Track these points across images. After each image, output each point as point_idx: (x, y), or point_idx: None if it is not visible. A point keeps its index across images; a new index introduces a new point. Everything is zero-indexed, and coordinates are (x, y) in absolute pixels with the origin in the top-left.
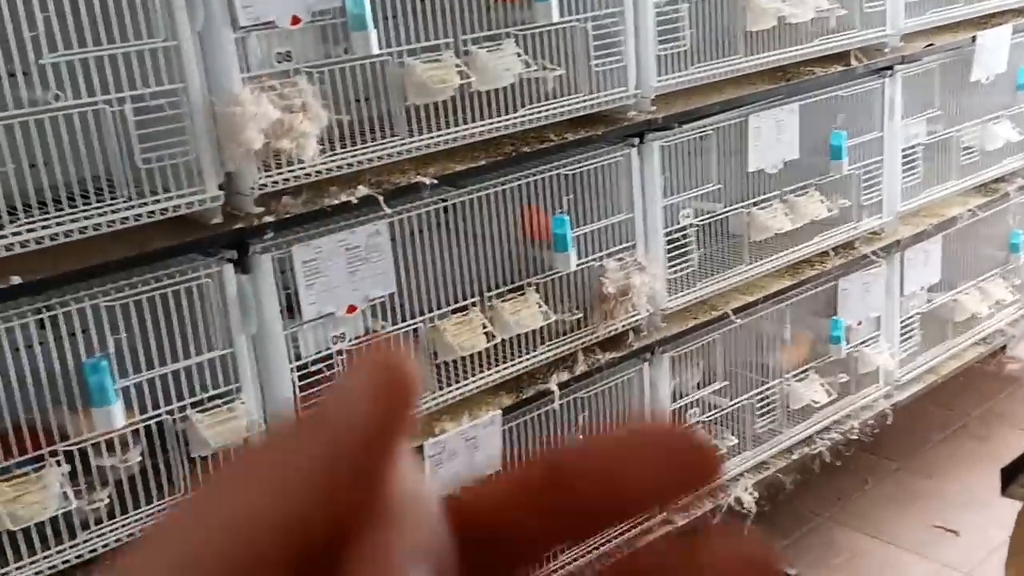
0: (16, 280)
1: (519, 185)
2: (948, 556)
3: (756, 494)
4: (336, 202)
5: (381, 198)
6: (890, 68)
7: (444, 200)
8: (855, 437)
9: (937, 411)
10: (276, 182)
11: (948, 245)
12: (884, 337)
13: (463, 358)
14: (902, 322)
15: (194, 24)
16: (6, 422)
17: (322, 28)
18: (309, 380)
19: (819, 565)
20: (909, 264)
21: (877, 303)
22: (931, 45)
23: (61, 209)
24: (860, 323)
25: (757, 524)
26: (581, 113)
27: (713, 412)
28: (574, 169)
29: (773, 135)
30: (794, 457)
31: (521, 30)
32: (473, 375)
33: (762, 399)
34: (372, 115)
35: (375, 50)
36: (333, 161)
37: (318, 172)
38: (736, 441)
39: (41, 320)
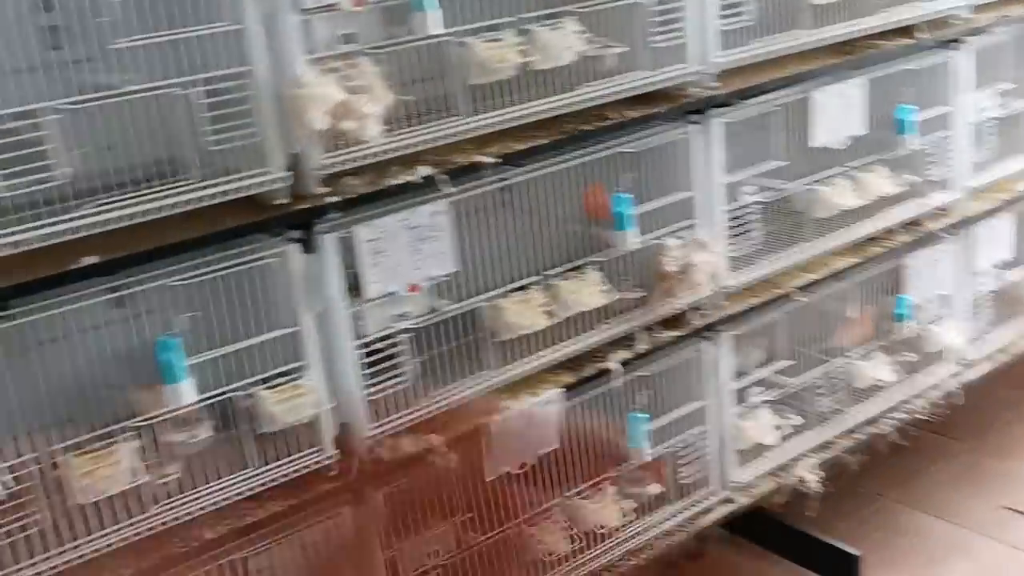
0: (90, 260)
1: (579, 164)
2: (1018, 537)
3: (821, 474)
4: (398, 182)
5: (445, 177)
6: (957, 40)
7: (505, 179)
8: (923, 417)
9: (1008, 392)
10: (340, 162)
11: (1021, 221)
12: (953, 315)
13: (523, 337)
14: (972, 300)
15: (259, 7)
16: (82, 398)
17: (385, 9)
18: (373, 358)
19: (884, 546)
20: (979, 241)
21: (945, 281)
22: (1005, 16)
23: (133, 192)
24: (928, 301)
25: (822, 504)
26: (642, 90)
27: (776, 391)
28: (635, 147)
29: (838, 110)
30: (859, 437)
31: (582, 7)
32: (533, 354)
33: (827, 378)
34: (434, 95)
35: (436, 30)
36: (396, 141)
37: (381, 152)
38: (800, 421)
39: (115, 299)
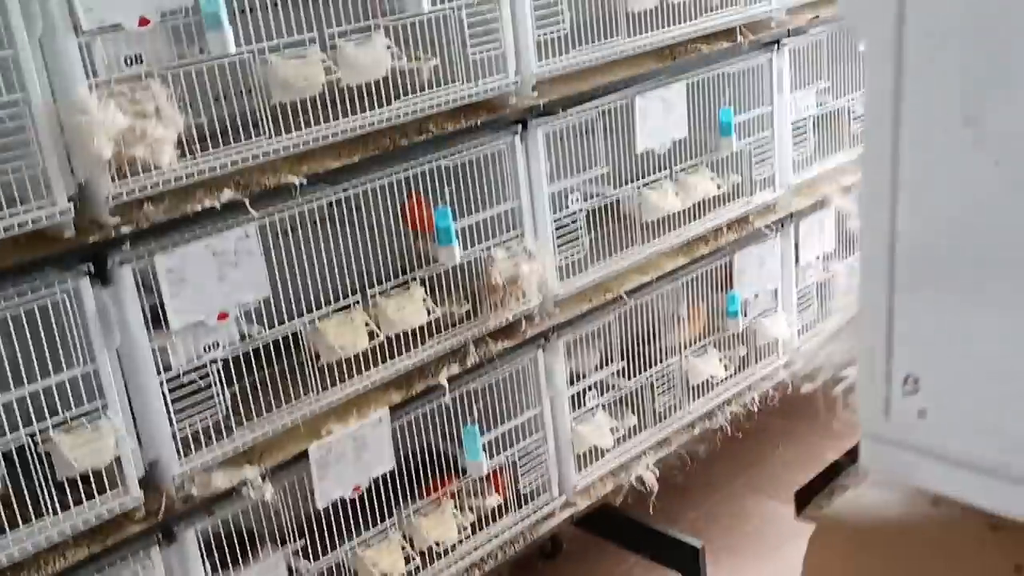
0: None
1: (399, 179)
2: None
3: (656, 471)
4: (199, 208)
5: (247, 201)
6: (776, 42)
7: (320, 199)
8: (756, 408)
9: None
10: (133, 191)
11: (842, 215)
12: (782, 308)
13: (349, 357)
14: (799, 292)
15: (32, 31)
16: None
17: (174, 28)
18: (181, 392)
19: (730, 533)
20: (804, 235)
21: (773, 275)
22: (816, 17)
23: None
24: (757, 296)
25: (673, 495)
26: (460, 103)
27: (612, 393)
28: (456, 160)
29: (660, 115)
30: (696, 432)
31: (392, 21)
32: (359, 374)
33: (661, 377)
34: (236, 115)
35: (232, 49)
36: (195, 166)
37: (178, 178)
38: (635, 421)
39: None
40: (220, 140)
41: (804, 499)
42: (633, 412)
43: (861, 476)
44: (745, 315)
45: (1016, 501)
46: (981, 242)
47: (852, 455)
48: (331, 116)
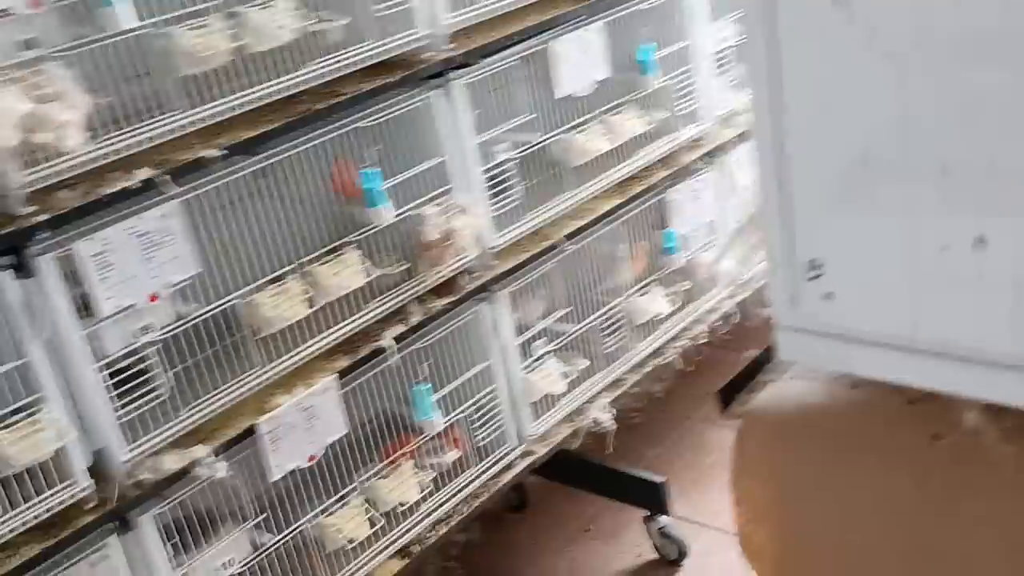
0: None
1: (321, 144)
2: None
3: (613, 412)
4: (114, 189)
5: (165, 178)
6: None
7: (240, 171)
8: (706, 341)
9: None
10: (43, 177)
11: None
12: (720, 241)
13: (290, 328)
14: (737, 223)
15: None
16: None
17: (68, 8)
18: (120, 378)
19: (693, 466)
20: (737, 165)
21: (708, 209)
22: None
23: None
24: (694, 230)
25: (629, 437)
26: (373, 61)
27: (560, 339)
28: (377, 119)
29: (579, 57)
30: (648, 370)
31: None
32: (301, 344)
33: (607, 319)
34: (144, 89)
35: (126, 25)
36: (106, 146)
37: (91, 161)
38: (587, 364)
39: None
40: (130, 117)
41: (728, 398)
42: (584, 356)
43: (781, 370)
44: (685, 250)
45: (928, 373)
46: (864, 122)
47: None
48: (242, 85)
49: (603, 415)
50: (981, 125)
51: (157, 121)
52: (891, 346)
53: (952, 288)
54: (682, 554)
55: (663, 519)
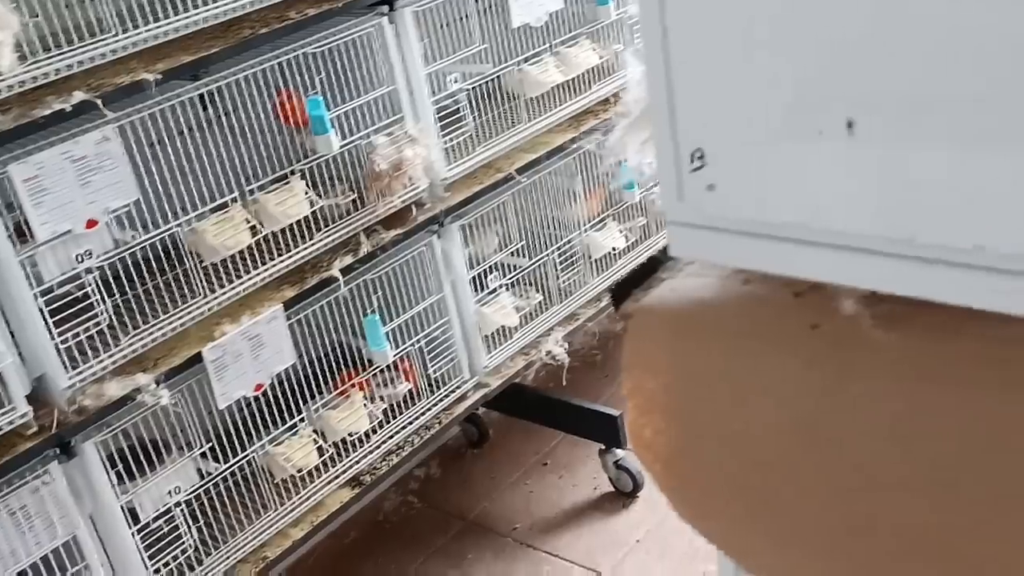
0: None
1: (266, 71)
2: None
3: (567, 345)
4: (48, 112)
5: (100, 101)
6: None
7: (180, 96)
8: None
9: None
10: None
11: None
12: None
13: (236, 257)
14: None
15: None
16: None
17: None
18: (59, 303)
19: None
20: None
21: None
22: None
23: None
24: (652, 164)
25: (588, 375)
26: None
27: (514, 273)
28: (323, 46)
29: None
30: (603, 304)
31: None
32: (247, 273)
33: (562, 253)
34: (78, 12)
35: None
36: (37, 68)
37: (22, 83)
38: (542, 298)
39: None
40: (63, 39)
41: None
42: (538, 291)
43: (676, 267)
44: (641, 187)
45: (806, 263)
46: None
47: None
48: (181, 8)
49: (557, 349)
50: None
51: (91, 44)
52: (772, 237)
53: (824, 173)
54: (637, 486)
55: (619, 452)
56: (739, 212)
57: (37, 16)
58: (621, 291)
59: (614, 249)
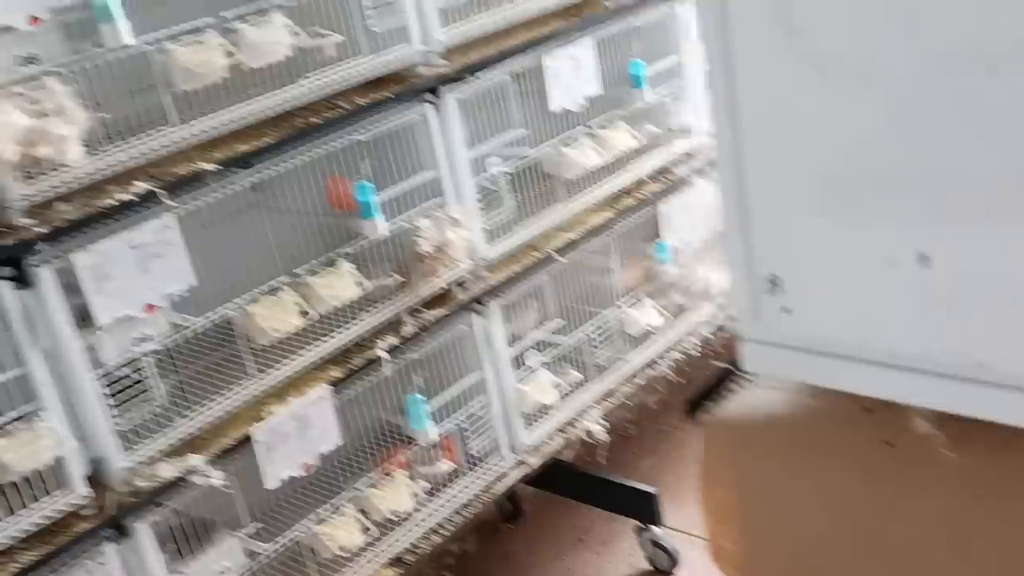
0: None
1: (316, 157)
2: None
3: (606, 424)
4: (113, 202)
5: (163, 192)
6: None
7: (235, 184)
8: (698, 353)
9: None
10: (43, 191)
11: None
12: (712, 254)
13: (284, 339)
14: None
15: None
16: None
17: (67, 25)
18: (117, 387)
19: (685, 476)
20: None
21: (700, 222)
22: None
23: None
24: (687, 243)
25: (622, 448)
26: (368, 76)
27: (552, 351)
28: (371, 133)
29: (571, 72)
30: (639, 382)
31: (288, 0)
32: (295, 354)
33: (600, 330)
34: (144, 107)
35: (127, 41)
36: (103, 160)
37: (88, 174)
38: (579, 376)
39: None
40: (127, 132)
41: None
42: (576, 367)
43: (747, 379)
44: (677, 262)
45: (879, 383)
46: (817, 142)
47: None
48: (238, 100)
49: (595, 426)
50: (924, 143)
51: (153, 136)
52: (845, 357)
53: (898, 302)
54: (674, 564)
55: (655, 529)
56: (813, 333)
57: (100, 108)
58: (696, 403)
59: (650, 325)
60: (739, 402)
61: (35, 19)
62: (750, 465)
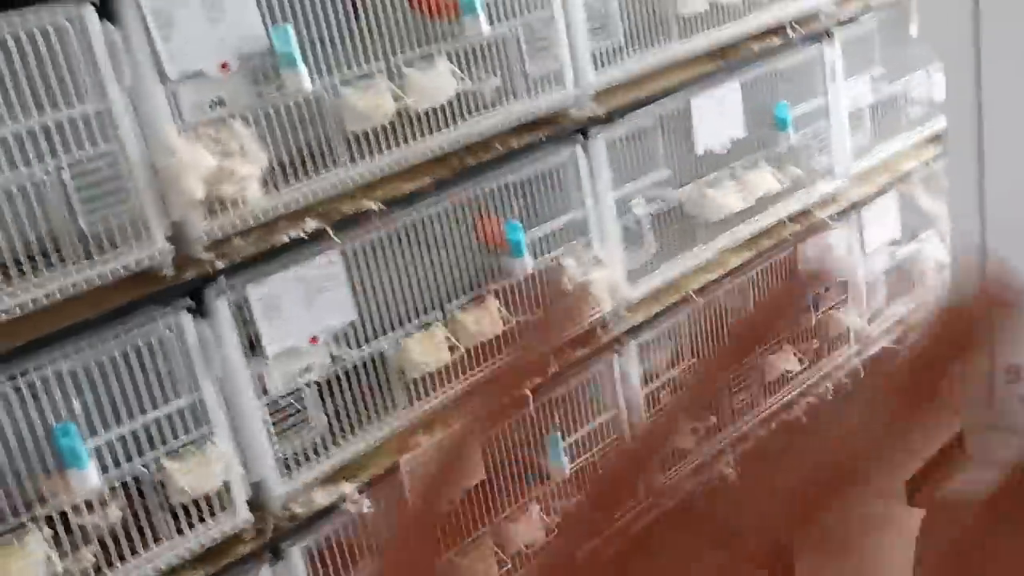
0: None
1: (469, 197)
2: None
3: (738, 468)
4: (286, 239)
5: (330, 229)
6: (827, 33)
7: (396, 223)
8: (831, 398)
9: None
10: (224, 227)
11: (905, 200)
12: (851, 298)
13: (431, 372)
14: (867, 281)
15: (122, 83)
16: None
17: (251, 70)
18: (279, 415)
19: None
20: (868, 223)
21: (840, 266)
22: (867, 6)
23: (9, 280)
24: (826, 288)
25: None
26: (523, 119)
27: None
28: (522, 174)
29: (716, 115)
30: (773, 426)
31: (453, 45)
32: (443, 387)
33: (736, 374)
34: (312, 145)
35: (307, 86)
36: (278, 199)
37: (264, 212)
38: (714, 419)
39: (13, 388)
40: (300, 171)
41: (915, 487)
42: (711, 411)
43: (969, 461)
44: (816, 307)
45: None
46: None
47: (959, 441)
48: (401, 141)
49: (728, 470)
50: None
51: (323, 176)
52: None
53: None
54: None
55: None
56: None
57: (277, 148)
58: (914, 484)
59: (788, 371)
60: (960, 484)
61: (224, 65)
62: (968, 549)
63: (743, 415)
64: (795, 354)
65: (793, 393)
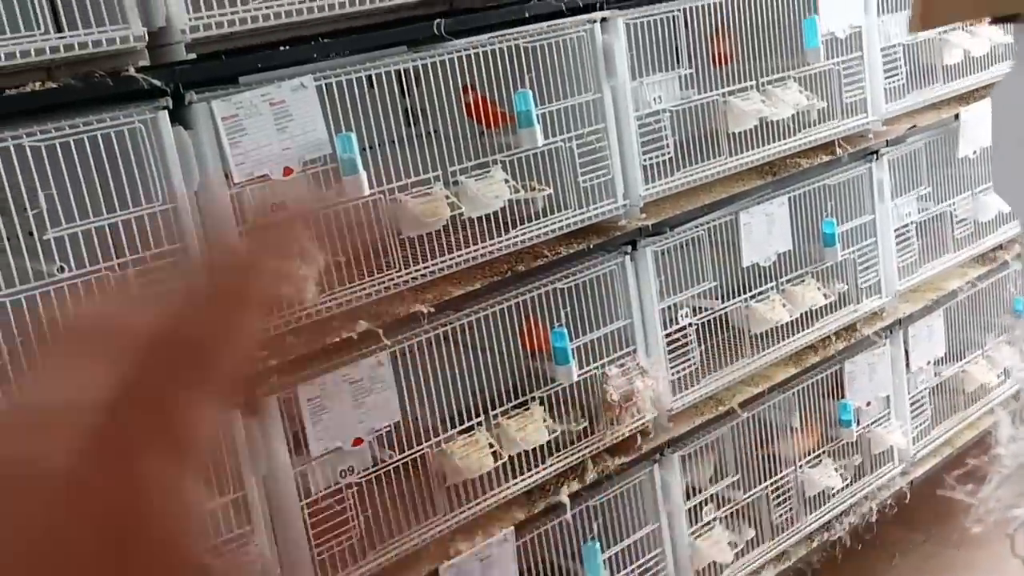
0: None
1: (517, 303)
2: None
3: None
4: (338, 339)
5: (380, 331)
6: (875, 153)
7: (444, 326)
8: (874, 519)
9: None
10: (279, 325)
11: (951, 317)
12: (895, 415)
13: (472, 478)
14: (912, 398)
15: (190, 186)
16: None
17: (312, 174)
18: (320, 515)
19: None
20: (914, 341)
21: (884, 382)
22: (914, 127)
23: None
24: (869, 404)
25: None
26: (572, 228)
27: (728, 506)
28: (570, 281)
29: (764, 229)
30: (814, 544)
31: (508, 156)
32: (483, 494)
33: (777, 489)
34: (367, 247)
35: (367, 191)
36: (332, 299)
37: (317, 311)
38: (754, 533)
39: None
40: (354, 272)
41: None
42: (750, 525)
43: None
44: (858, 424)
45: None
46: None
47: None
48: (453, 246)
49: None
50: None
51: (377, 278)
52: None
53: None
54: None
55: None
56: None
57: (339, 254)
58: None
59: (829, 488)
60: None
61: (288, 170)
62: None
63: (783, 531)
64: (837, 469)
65: (834, 511)
